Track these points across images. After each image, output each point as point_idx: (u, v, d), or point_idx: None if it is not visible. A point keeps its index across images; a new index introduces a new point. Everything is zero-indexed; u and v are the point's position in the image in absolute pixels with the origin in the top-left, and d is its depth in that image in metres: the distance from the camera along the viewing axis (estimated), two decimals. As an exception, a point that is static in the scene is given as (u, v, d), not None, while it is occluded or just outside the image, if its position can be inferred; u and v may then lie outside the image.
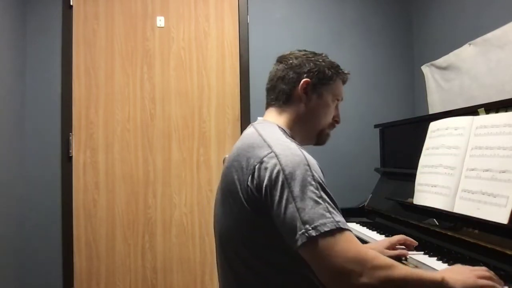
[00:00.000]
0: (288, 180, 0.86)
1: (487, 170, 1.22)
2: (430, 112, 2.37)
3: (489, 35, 1.90)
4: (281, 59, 1.14)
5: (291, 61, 1.11)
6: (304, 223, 0.82)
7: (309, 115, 1.10)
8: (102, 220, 2.46)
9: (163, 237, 2.48)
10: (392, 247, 1.27)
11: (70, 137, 2.44)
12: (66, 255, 2.41)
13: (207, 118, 2.54)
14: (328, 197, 0.87)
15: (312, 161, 0.91)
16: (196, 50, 2.55)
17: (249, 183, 0.91)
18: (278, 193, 0.86)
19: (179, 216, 2.50)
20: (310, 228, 0.81)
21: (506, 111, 1.30)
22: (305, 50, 1.14)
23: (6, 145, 2.19)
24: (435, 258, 1.22)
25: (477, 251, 1.18)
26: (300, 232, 0.82)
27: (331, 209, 0.84)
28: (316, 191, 0.85)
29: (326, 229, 0.81)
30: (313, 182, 0.86)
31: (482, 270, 0.93)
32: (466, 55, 2.06)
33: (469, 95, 2.02)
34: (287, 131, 1.07)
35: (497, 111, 1.34)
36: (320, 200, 0.84)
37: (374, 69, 2.68)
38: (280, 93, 1.10)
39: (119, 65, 2.51)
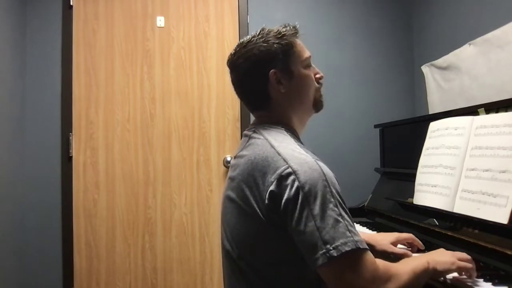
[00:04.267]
0: (307, 198, 0.85)
1: (487, 170, 1.22)
2: (430, 112, 2.37)
3: (489, 35, 1.90)
4: (232, 66, 1.08)
5: (243, 66, 1.04)
6: (325, 242, 0.82)
7: (296, 96, 1.05)
8: (102, 220, 2.46)
9: (163, 237, 2.48)
10: (398, 244, 1.27)
11: (70, 137, 2.44)
12: (66, 255, 2.40)
13: (207, 118, 2.54)
14: (346, 214, 0.86)
15: (330, 174, 0.89)
16: (196, 50, 2.55)
17: (267, 200, 0.89)
18: (297, 211, 0.85)
19: (179, 216, 2.50)
20: (331, 248, 0.81)
21: (506, 111, 1.30)
22: (246, 41, 1.05)
23: (6, 145, 2.19)
24: (435, 258, 1.21)
25: (477, 251, 1.17)
26: (321, 252, 0.82)
27: (350, 227, 0.84)
28: (336, 209, 0.85)
29: (347, 248, 0.81)
30: (332, 200, 0.85)
31: (462, 254, 1.01)
32: (466, 55, 2.06)
33: (469, 95, 2.02)
34: (289, 123, 1.05)
35: (497, 111, 1.34)
36: (340, 218, 0.84)
37: (374, 69, 2.68)
38: (258, 101, 1.07)
39: (119, 65, 2.51)
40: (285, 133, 1.01)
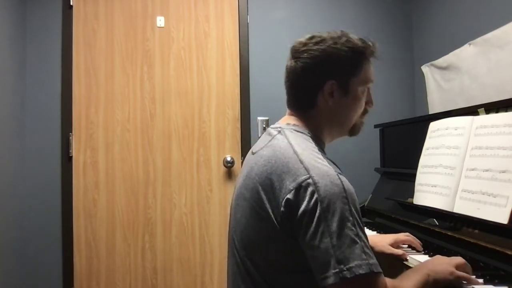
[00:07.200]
0: (325, 213, 0.82)
1: (487, 170, 1.22)
2: (430, 112, 2.37)
3: (489, 35, 1.90)
4: (295, 54, 1.01)
5: (306, 61, 0.97)
6: (339, 262, 0.79)
7: (339, 115, 1.01)
8: (102, 220, 2.45)
9: (163, 237, 2.48)
10: (396, 245, 1.28)
11: (70, 137, 2.44)
12: (66, 255, 2.41)
13: (207, 118, 2.54)
14: (363, 234, 0.84)
15: (350, 191, 0.86)
16: (196, 50, 2.55)
17: (283, 208, 0.86)
18: (313, 225, 0.82)
19: (179, 216, 2.50)
20: (345, 269, 0.78)
21: (506, 111, 1.30)
22: (320, 38, 0.98)
23: (6, 145, 2.19)
24: (435, 258, 1.22)
25: (477, 251, 1.18)
26: (333, 271, 0.79)
27: (366, 249, 0.82)
28: (353, 228, 0.82)
29: (361, 271, 0.78)
30: (351, 218, 0.82)
31: (458, 259, 1.01)
32: (466, 55, 2.06)
33: (469, 95, 2.02)
34: (320, 135, 1.01)
35: (497, 111, 1.34)
36: (357, 238, 0.81)
37: (374, 69, 2.67)
38: (300, 102, 1.01)
39: (119, 65, 2.51)
40: (311, 141, 0.97)
